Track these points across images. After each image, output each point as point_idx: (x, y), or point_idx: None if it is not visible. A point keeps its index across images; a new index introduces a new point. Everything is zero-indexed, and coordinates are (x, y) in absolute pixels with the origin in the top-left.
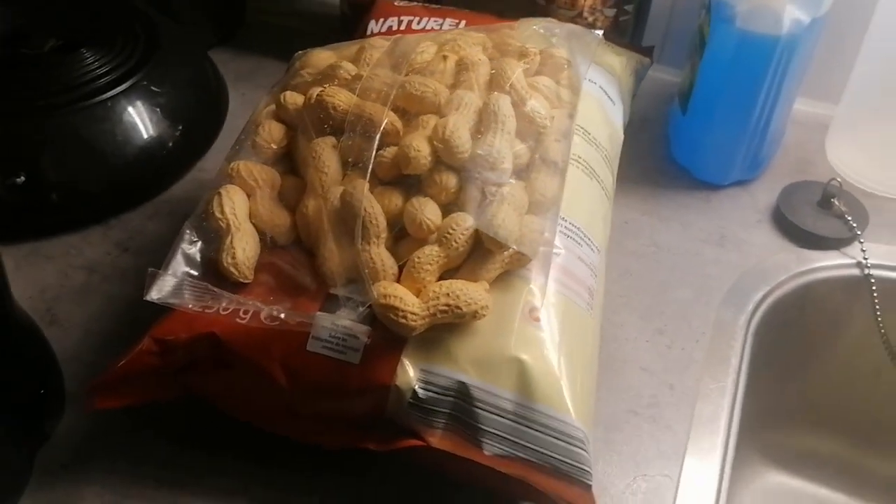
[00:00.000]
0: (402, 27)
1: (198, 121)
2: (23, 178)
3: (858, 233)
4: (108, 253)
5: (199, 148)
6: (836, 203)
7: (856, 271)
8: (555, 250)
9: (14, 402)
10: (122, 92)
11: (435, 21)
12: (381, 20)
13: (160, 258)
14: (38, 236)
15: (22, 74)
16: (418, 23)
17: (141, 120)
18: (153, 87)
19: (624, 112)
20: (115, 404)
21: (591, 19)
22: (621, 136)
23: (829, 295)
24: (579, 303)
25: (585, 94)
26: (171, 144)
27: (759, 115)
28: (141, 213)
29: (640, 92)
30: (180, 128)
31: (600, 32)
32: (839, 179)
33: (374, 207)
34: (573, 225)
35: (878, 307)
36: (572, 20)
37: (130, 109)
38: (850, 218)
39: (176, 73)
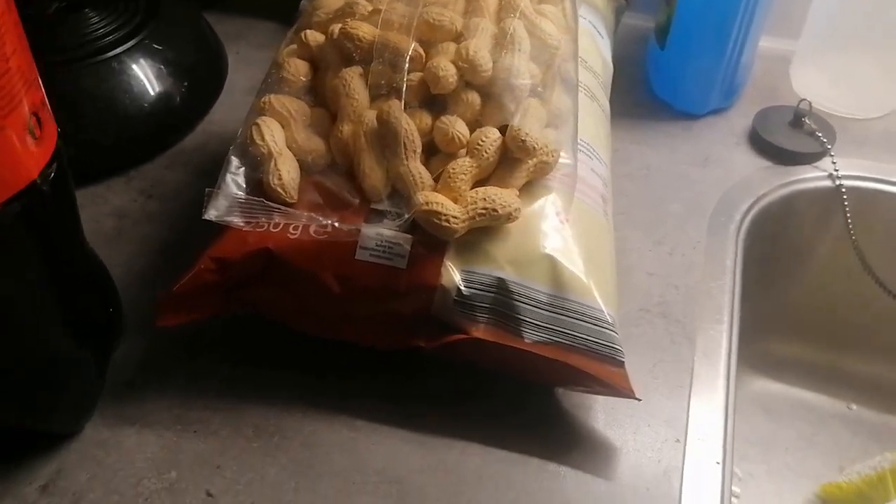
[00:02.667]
0: None
1: (201, 76)
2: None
3: (829, 147)
4: (134, 200)
5: (204, 102)
6: (807, 122)
7: (828, 182)
8: (571, 161)
9: (89, 322)
10: (127, 50)
11: None
12: None
13: (184, 203)
14: None
15: (29, 34)
16: None
17: (147, 77)
18: (156, 45)
19: (611, 46)
20: (179, 321)
21: None
22: (611, 68)
23: (806, 205)
24: (595, 208)
25: (580, 28)
26: (178, 99)
27: (733, 44)
28: (158, 164)
29: (615, 37)
30: (185, 83)
31: None
32: (809, 100)
33: (410, 125)
34: (583, 140)
35: (848, 214)
36: None
37: (137, 67)
38: (820, 134)
39: (176, 32)
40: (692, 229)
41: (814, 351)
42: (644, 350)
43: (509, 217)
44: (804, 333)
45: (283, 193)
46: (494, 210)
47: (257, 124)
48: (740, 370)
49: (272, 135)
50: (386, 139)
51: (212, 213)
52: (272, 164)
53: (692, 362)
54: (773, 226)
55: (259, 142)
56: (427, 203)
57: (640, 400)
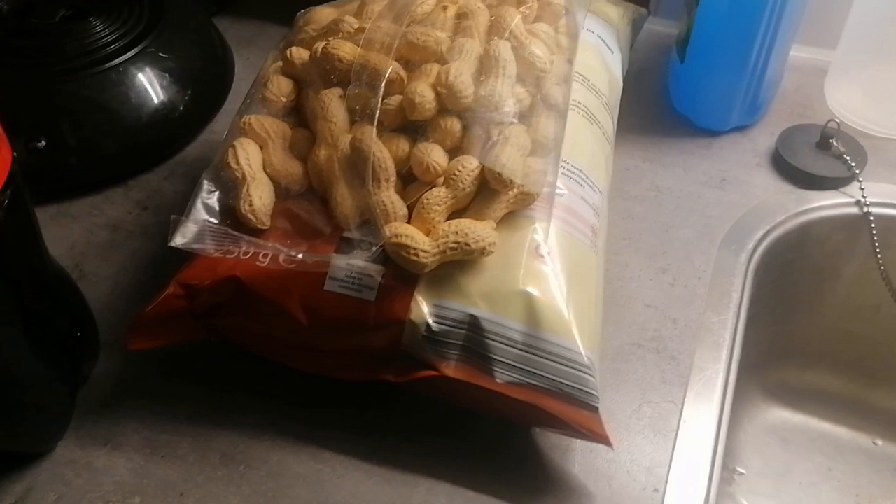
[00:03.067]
0: None
1: (206, 84)
2: (44, 143)
3: (857, 172)
4: (130, 212)
5: (208, 110)
6: (835, 143)
7: (855, 210)
8: (558, 191)
9: (56, 344)
10: (130, 58)
11: None
12: None
13: (180, 215)
14: (63, 198)
15: (35, 43)
16: None
17: (151, 85)
18: (161, 54)
19: (622, 61)
20: (147, 345)
21: None
22: (620, 85)
23: (828, 233)
24: (583, 240)
25: (584, 43)
26: (181, 108)
27: (756, 59)
28: (157, 174)
29: (638, 44)
30: (189, 92)
31: None
32: (837, 121)
33: (382, 152)
34: (575, 167)
35: (877, 244)
36: None
37: (140, 75)
38: (848, 158)
39: (182, 40)
40: (699, 257)
41: (838, 381)
42: (631, 388)
43: (483, 251)
44: (827, 363)
45: (254, 220)
46: (467, 244)
47: (233, 147)
48: (756, 399)
49: (247, 158)
50: (357, 167)
51: (178, 240)
52: (245, 189)
53: (682, 404)
54: (791, 254)
55: (234, 165)
56: (396, 236)
57: (612, 448)
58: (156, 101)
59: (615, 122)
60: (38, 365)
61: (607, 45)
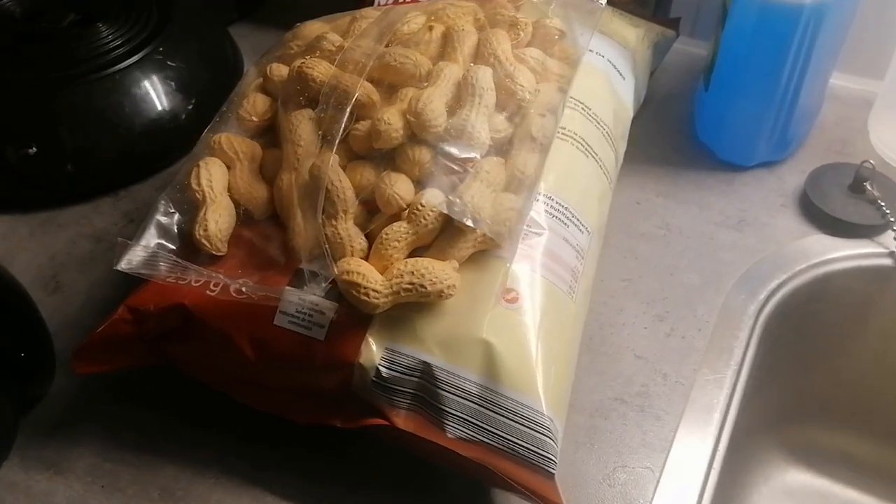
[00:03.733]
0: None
1: (211, 95)
2: (34, 150)
3: (893, 220)
4: (115, 223)
5: (210, 121)
6: (869, 187)
7: (887, 261)
8: (537, 230)
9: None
10: (134, 63)
11: None
12: None
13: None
14: (53, 205)
15: (41, 48)
16: None
17: (154, 92)
18: (168, 62)
19: (636, 87)
20: (96, 369)
21: None
22: (630, 113)
23: (856, 286)
24: (560, 286)
25: (590, 68)
26: (183, 117)
27: (783, 90)
28: (150, 185)
29: (668, 67)
30: (193, 101)
31: (604, 2)
32: (872, 162)
33: (341, 181)
34: (561, 204)
35: None
36: None
37: (144, 81)
38: (883, 204)
39: (189, 48)
40: (702, 306)
41: (865, 445)
42: (606, 448)
43: (440, 294)
44: (854, 424)
45: (209, 246)
46: (422, 286)
47: (198, 166)
48: (774, 458)
49: (209, 179)
50: (313, 195)
51: (122, 265)
52: (203, 212)
53: (660, 474)
54: (813, 305)
55: (195, 186)
56: (346, 273)
57: None
58: (158, 108)
59: (620, 153)
60: None
61: (618, 71)
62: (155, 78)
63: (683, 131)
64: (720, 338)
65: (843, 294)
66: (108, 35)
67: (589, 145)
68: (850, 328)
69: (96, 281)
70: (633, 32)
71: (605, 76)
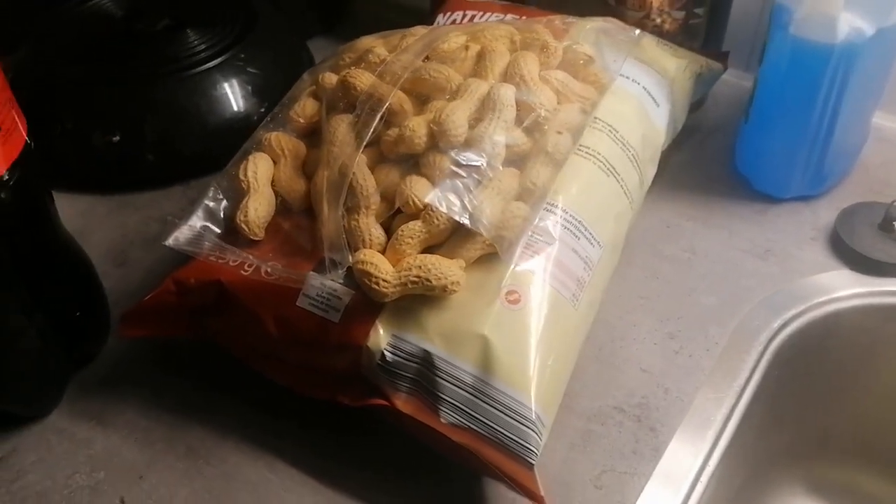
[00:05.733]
0: (465, 20)
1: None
2: (118, 138)
3: None
4: (182, 209)
5: None
6: None
7: None
8: (547, 240)
9: (53, 321)
10: (215, 66)
11: (496, 17)
12: (448, 14)
13: None
14: (130, 190)
15: (133, 47)
16: (480, 17)
17: (232, 94)
18: (247, 67)
19: (672, 115)
20: (139, 333)
21: (658, 21)
22: (662, 139)
23: (871, 322)
24: (563, 293)
25: (623, 93)
26: (255, 119)
27: (817, 126)
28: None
29: (719, 99)
30: (265, 105)
31: (637, 32)
32: None
33: (365, 179)
34: (574, 217)
35: None
36: (639, 22)
37: (223, 83)
38: None
39: (267, 56)
40: (715, 329)
41: (879, 481)
42: (597, 453)
43: (445, 289)
44: (881, 463)
45: (247, 230)
46: (428, 280)
47: (247, 160)
48: (796, 492)
49: (255, 171)
50: (340, 190)
51: (169, 241)
52: (245, 200)
53: (646, 481)
54: (830, 340)
55: (241, 177)
56: (361, 262)
57: None
58: (234, 108)
59: (647, 176)
60: (30, 336)
61: (652, 98)
62: (234, 81)
63: (724, 162)
64: (727, 359)
65: (863, 331)
66: (195, 40)
67: (612, 165)
68: (864, 363)
69: (159, 258)
70: (675, 63)
71: (638, 102)
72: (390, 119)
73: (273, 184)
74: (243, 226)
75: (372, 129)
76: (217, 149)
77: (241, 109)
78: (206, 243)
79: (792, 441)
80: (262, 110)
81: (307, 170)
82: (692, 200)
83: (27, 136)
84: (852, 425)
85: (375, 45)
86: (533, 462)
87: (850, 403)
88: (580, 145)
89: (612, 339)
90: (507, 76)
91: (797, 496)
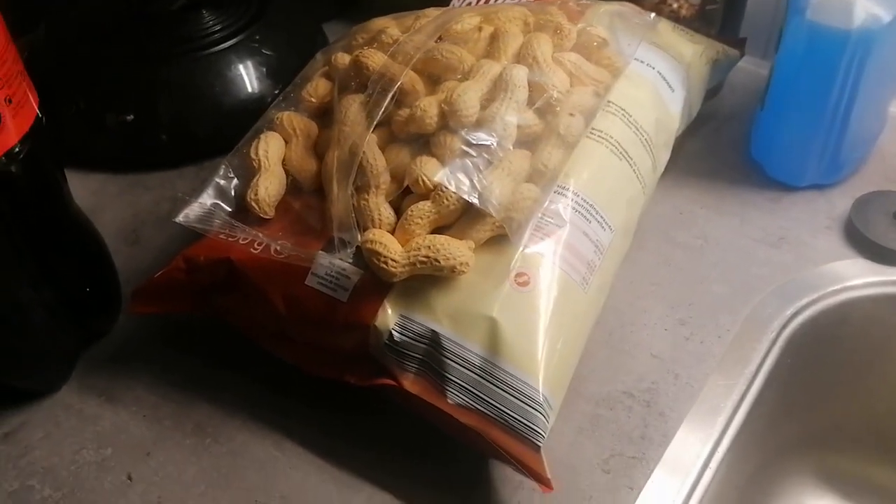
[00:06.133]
0: (479, 2)
1: None
2: (132, 117)
3: None
4: (194, 190)
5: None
6: None
7: None
8: (558, 223)
9: (62, 297)
10: (230, 47)
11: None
12: None
13: None
14: (143, 169)
15: (149, 26)
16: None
17: (246, 75)
18: (262, 49)
19: (687, 101)
20: (149, 310)
21: (675, 6)
22: (676, 124)
23: (885, 311)
24: (573, 276)
25: (637, 77)
26: (268, 100)
27: (832, 113)
28: None
29: (736, 86)
30: (280, 87)
31: (653, 16)
32: None
33: (375, 158)
34: (586, 201)
35: None
36: (656, 7)
37: (238, 65)
38: None
39: (281, 38)
40: (726, 316)
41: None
42: (606, 437)
43: (453, 270)
44: (892, 452)
45: (257, 209)
46: (436, 260)
47: (258, 139)
48: (807, 483)
49: (266, 150)
50: (349, 169)
51: (179, 218)
52: (256, 178)
53: (654, 466)
54: (844, 328)
55: (253, 155)
56: (370, 241)
57: (552, 490)
58: (248, 90)
59: (660, 160)
60: (39, 311)
61: (667, 83)
62: (248, 62)
63: (739, 149)
64: (739, 346)
65: (871, 318)
66: (210, 20)
67: (624, 149)
68: (878, 352)
69: (171, 237)
70: (691, 48)
71: (653, 86)
72: (402, 99)
73: (284, 163)
74: (254, 204)
75: (383, 109)
76: (230, 130)
77: (256, 91)
78: (217, 221)
79: (803, 430)
80: (276, 92)
81: (319, 150)
82: (706, 187)
83: (38, 110)
84: (865, 415)
85: (388, 25)
86: (540, 444)
87: (863, 393)
88: (593, 128)
89: (623, 324)
90: (520, 57)
91: (808, 486)
